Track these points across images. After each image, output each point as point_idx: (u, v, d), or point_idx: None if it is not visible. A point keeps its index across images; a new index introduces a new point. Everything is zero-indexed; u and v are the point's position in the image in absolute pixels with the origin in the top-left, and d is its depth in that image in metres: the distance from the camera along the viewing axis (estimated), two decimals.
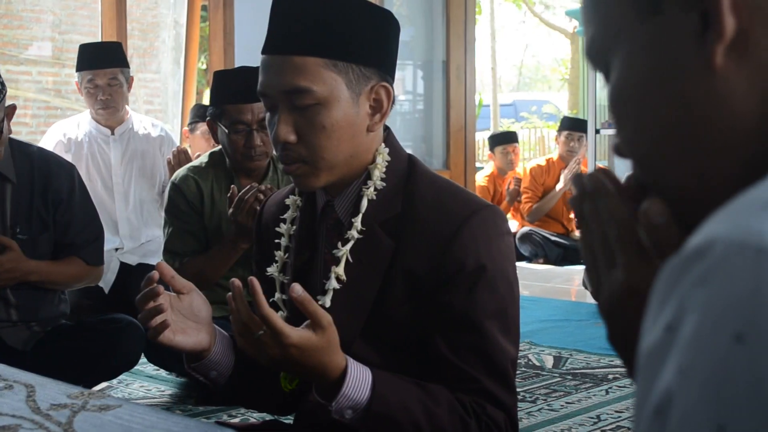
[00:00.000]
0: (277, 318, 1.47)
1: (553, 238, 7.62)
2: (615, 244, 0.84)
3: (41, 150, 3.32)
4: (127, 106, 4.71)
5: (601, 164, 7.98)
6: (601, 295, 0.86)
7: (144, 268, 4.35)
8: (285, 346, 1.48)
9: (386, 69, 1.68)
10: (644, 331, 0.63)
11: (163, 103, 7.05)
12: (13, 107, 3.07)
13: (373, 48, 1.65)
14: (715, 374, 0.56)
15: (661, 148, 0.75)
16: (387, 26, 1.68)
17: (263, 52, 1.65)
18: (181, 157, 4.51)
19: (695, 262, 0.59)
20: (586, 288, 5.52)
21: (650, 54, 0.74)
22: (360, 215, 1.68)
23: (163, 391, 3.80)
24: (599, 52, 0.80)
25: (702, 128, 0.72)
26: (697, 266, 0.59)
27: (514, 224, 7.91)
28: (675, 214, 0.78)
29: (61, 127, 4.69)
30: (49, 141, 4.59)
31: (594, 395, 3.72)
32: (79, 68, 4.52)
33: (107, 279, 4.30)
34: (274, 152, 1.78)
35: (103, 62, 4.48)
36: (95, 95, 4.47)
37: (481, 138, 13.55)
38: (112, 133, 4.60)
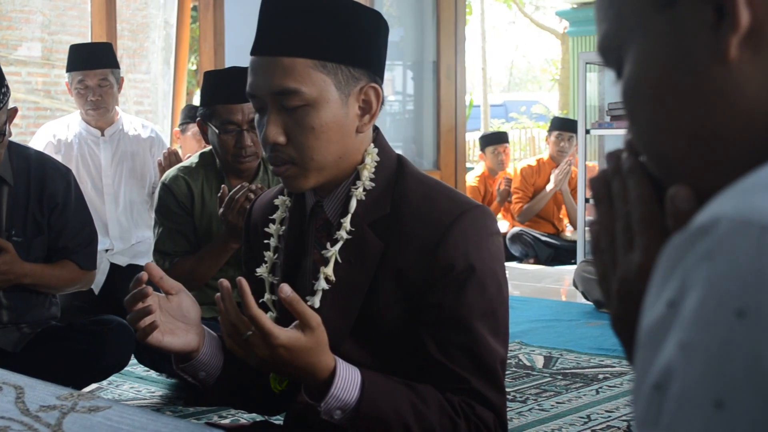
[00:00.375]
0: (266, 318, 1.47)
1: (543, 239, 7.63)
2: (637, 225, 0.82)
3: (39, 153, 3.31)
4: (117, 107, 4.70)
5: (591, 164, 8.00)
6: (615, 276, 0.84)
7: (134, 269, 4.34)
8: (273, 346, 1.48)
9: (375, 70, 1.68)
10: (646, 307, 0.64)
11: (153, 103, 7.04)
12: (15, 110, 3.07)
13: (361, 49, 1.65)
14: (716, 349, 0.56)
15: (674, 142, 0.75)
16: (376, 27, 1.68)
17: (252, 53, 1.65)
18: (171, 158, 4.51)
19: (700, 239, 0.60)
20: (576, 288, 5.53)
21: (664, 47, 0.74)
22: (349, 216, 1.68)
23: (153, 392, 3.79)
24: (612, 47, 0.80)
25: (716, 121, 0.72)
26: (702, 243, 0.60)
27: (504, 224, 7.92)
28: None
29: (51, 128, 4.68)
30: (39, 142, 4.58)
31: (584, 395, 3.72)
32: (69, 69, 4.51)
33: (97, 280, 4.29)
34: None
35: (94, 63, 4.47)
36: (85, 96, 4.46)
37: (472, 138, 13.57)
38: (102, 134, 4.60)
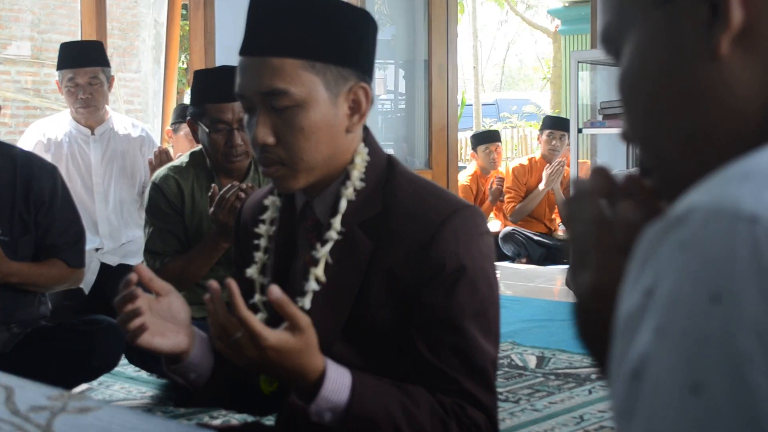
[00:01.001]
0: (255, 320, 1.46)
1: (535, 238, 7.63)
2: (589, 245, 0.86)
3: (24, 152, 3.31)
4: (107, 106, 4.69)
5: (582, 160, 8.01)
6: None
7: (124, 269, 4.33)
8: (263, 348, 1.47)
9: (364, 69, 1.67)
10: (623, 296, 0.65)
11: (143, 102, 7.03)
12: None
13: (350, 48, 1.64)
14: (691, 333, 0.58)
15: (666, 134, 0.77)
16: (365, 26, 1.67)
17: (241, 53, 1.64)
18: (162, 157, 4.50)
19: (674, 229, 0.62)
20: (569, 287, 5.52)
21: (660, 41, 0.76)
22: (339, 216, 1.67)
23: (143, 393, 3.78)
24: (613, 38, 0.82)
25: (706, 116, 0.74)
26: (677, 232, 0.62)
27: (496, 224, 7.92)
28: (676, 199, 0.79)
29: (41, 126, 4.67)
30: (29, 141, 4.57)
31: (577, 395, 3.72)
32: (59, 67, 4.50)
33: (87, 279, 4.28)
34: None
35: (84, 61, 4.46)
36: (75, 94, 4.45)
37: (464, 137, 13.58)
38: (93, 133, 4.59)
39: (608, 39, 0.83)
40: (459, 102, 8.88)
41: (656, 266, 0.62)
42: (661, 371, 0.59)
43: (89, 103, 4.47)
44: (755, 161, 0.65)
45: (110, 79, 4.57)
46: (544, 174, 7.60)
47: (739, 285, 0.57)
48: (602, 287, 0.84)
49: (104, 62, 4.54)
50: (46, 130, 4.62)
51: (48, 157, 4.35)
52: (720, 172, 0.65)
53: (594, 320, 0.86)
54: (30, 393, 1.62)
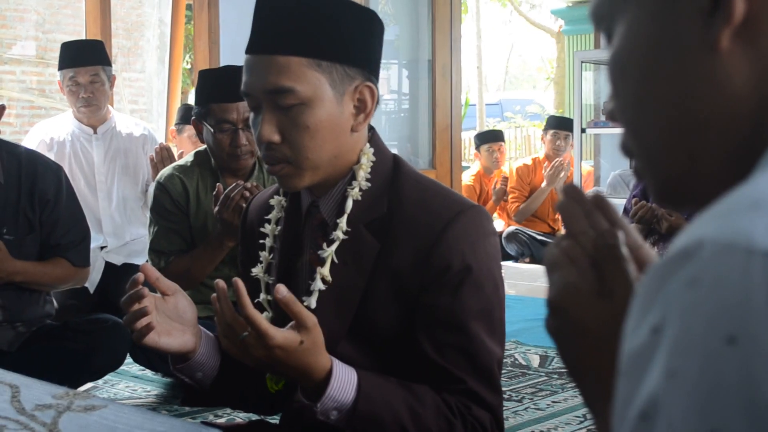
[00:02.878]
0: (262, 319, 1.47)
1: (539, 238, 7.63)
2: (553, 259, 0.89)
3: (29, 151, 3.31)
4: (109, 106, 4.69)
5: (586, 163, 8.01)
6: None
7: (129, 268, 4.34)
8: (269, 347, 1.47)
9: (370, 69, 1.67)
10: (627, 333, 0.62)
11: (147, 102, 7.03)
12: (2, 108, 3.07)
13: (356, 47, 1.64)
14: (707, 377, 0.55)
15: (654, 121, 0.75)
16: (371, 26, 1.67)
17: (247, 51, 1.65)
18: (163, 153, 4.50)
19: (682, 264, 0.58)
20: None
21: (656, 25, 0.74)
22: (345, 216, 1.67)
23: (148, 392, 3.79)
24: (605, 15, 0.80)
25: (698, 107, 0.72)
26: (685, 268, 0.58)
27: (500, 223, 7.91)
28: (661, 190, 0.79)
29: (44, 126, 4.68)
30: (32, 141, 4.57)
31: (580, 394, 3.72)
32: (61, 66, 4.50)
33: (92, 279, 4.29)
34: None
35: (85, 60, 4.46)
36: (77, 93, 4.45)
37: (467, 137, 13.56)
38: (95, 132, 4.59)
39: (600, 15, 0.81)
40: (462, 102, 8.87)
41: (664, 304, 0.59)
42: (674, 417, 0.56)
43: (91, 102, 4.47)
44: (762, 188, 0.61)
45: (111, 78, 4.57)
46: (544, 173, 7.60)
47: (757, 326, 0.54)
48: (555, 304, 0.90)
49: (105, 61, 4.54)
50: (49, 130, 4.62)
51: (51, 157, 4.35)
52: (725, 200, 0.61)
53: (551, 332, 0.91)
54: (35, 392, 1.62)
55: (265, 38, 1.62)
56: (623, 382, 0.61)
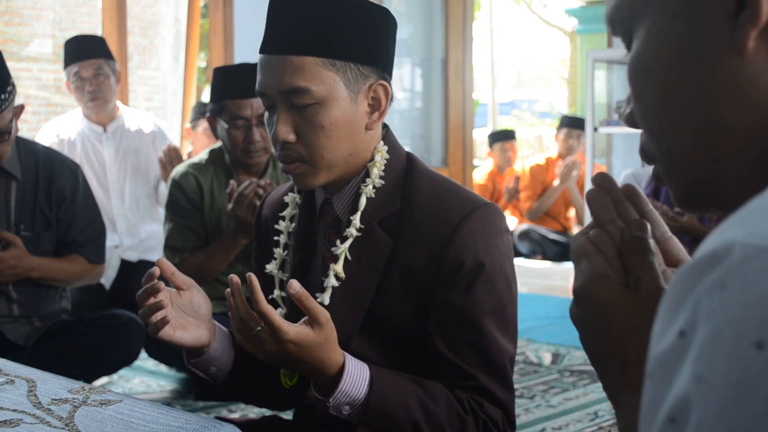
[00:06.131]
0: (275, 314, 1.48)
1: (551, 236, 7.62)
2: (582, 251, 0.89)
3: (46, 149, 3.33)
4: (118, 103, 4.69)
5: (599, 162, 7.99)
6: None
7: (144, 265, 4.35)
8: (283, 342, 1.49)
9: (384, 67, 1.68)
10: (655, 335, 0.62)
11: (162, 100, 7.04)
12: (21, 107, 3.09)
13: (370, 46, 1.65)
14: (735, 382, 0.54)
15: (677, 124, 0.74)
16: (384, 24, 1.68)
17: (261, 51, 1.66)
18: (172, 154, 4.50)
19: (711, 267, 0.58)
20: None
21: (679, 28, 0.73)
22: (359, 213, 1.68)
23: (163, 386, 3.81)
24: (624, 19, 0.79)
25: (724, 110, 0.71)
26: (714, 271, 0.57)
27: (512, 221, 7.91)
28: (685, 195, 0.78)
29: (54, 126, 4.67)
30: (43, 142, 4.57)
31: (592, 392, 3.73)
32: (65, 65, 4.50)
33: (108, 276, 4.31)
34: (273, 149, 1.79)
35: (86, 53, 4.45)
36: (82, 88, 4.44)
37: (480, 136, 13.54)
38: (105, 131, 4.59)
39: (618, 20, 0.79)
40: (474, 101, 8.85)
41: (692, 307, 0.58)
42: (704, 420, 0.55)
43: (96, 95, 4.45)
44: None
45: (117, 74, 4.56)
46: (557, 171, 7.59)
47: None
48: (582, 293, 0.89)
49: (108, 55, 4.53)
50: (59, 130, 4.62)
51: None
52: (752, 203, 0.60)
53: (575, 322, 0.90)
54: (52, 386, 1.64)
55: (279, 38, 1.63)
56: (650, 384, 0.61)
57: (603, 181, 0.93)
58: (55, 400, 1.59)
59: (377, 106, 1.67)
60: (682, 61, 0.73)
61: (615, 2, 0.80)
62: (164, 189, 4.47)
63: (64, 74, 4.53)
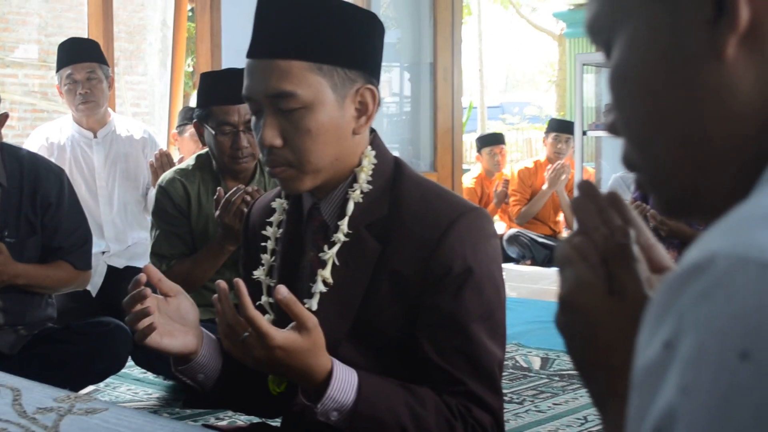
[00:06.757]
0: (263, 320, 1.48)
1: (540, 240, 7.64)
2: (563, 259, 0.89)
3: (31, 154, 3.32)
4: (109, 109, 4.68)
5: (587, 166, 8.01)
6: None
7: (131, 271, 4.34)
8: (270, 348, 1.48)
9: (371, 71, 1.67)
10: (640, 346, 0.61)
11: (149, 105, 7.03)
12: (6, 115, 3.08)
13: (357, 50, 1.64)
14: (721, 393, 0.54)
15: (659, 133, 0.74)
16: (371, 28, 1.68)
17: (248, 56, 1.65)
18: (163, 160, 4.50)
19: (695, 277, 0.58)
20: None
21: (658, 36, 0.72)
22: (346, 218, 1.68)
23: (150, 394, 3.80)
24: (603, 28, 0.78)
25: (703, 116, 0.70)
26: (698, 281, 0.57)
27: (501, 226, 7.92)
28: (668, 203, 0.78)
29: (44, 131, 4.67)
30: (32, 145, 4.56)
31: (581, 396, 3.73)
32: (58, 67, 4.49)
33: (95, 282, 4.29)
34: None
35: (81, 57, 4.45)
36: (74, 91, 4.43)
37: (469, 140, 13.58)
38: (95, 136, 4.58)
39: (597, 28, 0.79)
40: (466, 106, 8.86)
41: (677, 318, 0.58)
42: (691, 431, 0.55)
43: (88, 98, 4.44)
44: None
45: (110, 79, 4.55)
46: (546, 175, 7.61)
47: None
48: (567, 301, 0.88)
49: (101, 59, 4.53)
50: (49, 134, 4.62)
51: None
52: (736, 213, 0.60)
53: (561, 329, 0.90)
54: (37, 395, 1.63)
55: (265, 42, 1.62)
56: (636, 395, 0.61)
57: (587, 188, 0.93)
58: (41, 408, 1.57)
59: (364, 110, 1.67)
60: (663, 69, 0.72)
61: (594, 11, 0.79)
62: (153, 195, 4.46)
63: (56, 77, 4.52)
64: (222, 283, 1.52)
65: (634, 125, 0.77)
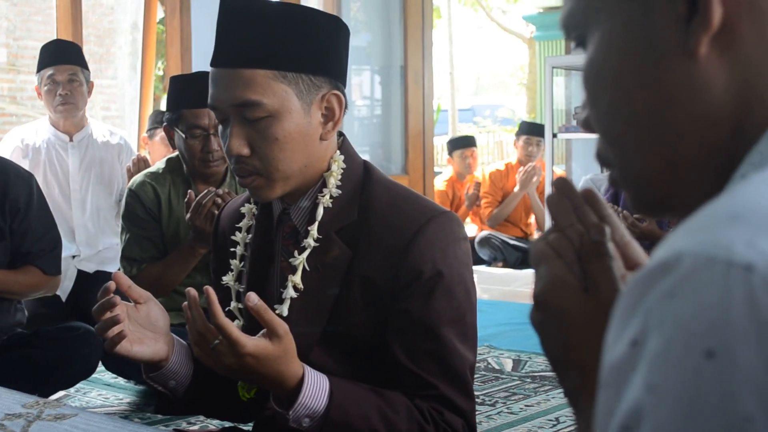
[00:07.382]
0: (233, 327, 1.47)
1: (512, 242, 7.66)
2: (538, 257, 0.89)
3: (0, 159, 3.29)
4: (87, 114, 4.67)
5: (558, 168, 8.04)
6: None
7: (101, 276, 4.32)
8: (241, 355, 1.48)
9: (337, 76, 1.67)
10: (607, 345, 0.62)
11: (120, 109, 7.00)
12: None
13: (322, 56, 1.64)
14: (686, 391, 0.55)
15: (632, 130, 0.74)
16: (335, 34, 1.67)
17: (212, 64, 1.65)
18: (140, 165, 4.49)
19: (662, 276, 0.58)
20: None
21: (631, 34, 0.73)
22: (316, 223, 1.68)
23: (121, 399, 3.78)
24: (577, 25, 0.79)
25: (676, 115, 0.71)
26: (664, 280, 0.58)
27: (473, 228, 7.94)
28: (640, 199, 0.78)
29: (19, 132, 4.65)
30: (6, 147, 4.55)
31: (553, 398, 3.74)
32: (39, 68, 4.47)
33: (64, 287, 4.26)
34: None
35: (64, 59, 4.45)
36: (54, 91, 4.42)
37: (440, 143, 13.60)
38: (71, 140, 4.57)
39: (571, 25, 0.80)
40: (434, 108, 8.88)
41: (643, 316, 0.58)
42: (657, 429, 0.55)
43: (68, 100, 4.43)
44: (741, 200, 0.61)
45: (90, 84, 4.55)
46: (517, 177, 7.64)
47: (735, 340, 0.54)
48: (540, 299, 0.88)
49: (83, 63, 4.53)
50: (24, 135, 4.60)
51: (26, 163, 4.34)
52: (703, 212, 0.61)
53: (535, 326, 0.90)
54: (5, 401, 1.62)
55: (229, 51, 1.62)
56: (604, 393, 0.61)
57: (563, 185, 0.93)
58: (9, 415, 1.56)
59: (331, 116, 1.67)
60: (635, 67, 0.73)
61: (569, 8, 0.80)
62: None
63: (36, 78, 4.50)
64: (192, 291, 1.51)
65: (606, 121, 0.77)
